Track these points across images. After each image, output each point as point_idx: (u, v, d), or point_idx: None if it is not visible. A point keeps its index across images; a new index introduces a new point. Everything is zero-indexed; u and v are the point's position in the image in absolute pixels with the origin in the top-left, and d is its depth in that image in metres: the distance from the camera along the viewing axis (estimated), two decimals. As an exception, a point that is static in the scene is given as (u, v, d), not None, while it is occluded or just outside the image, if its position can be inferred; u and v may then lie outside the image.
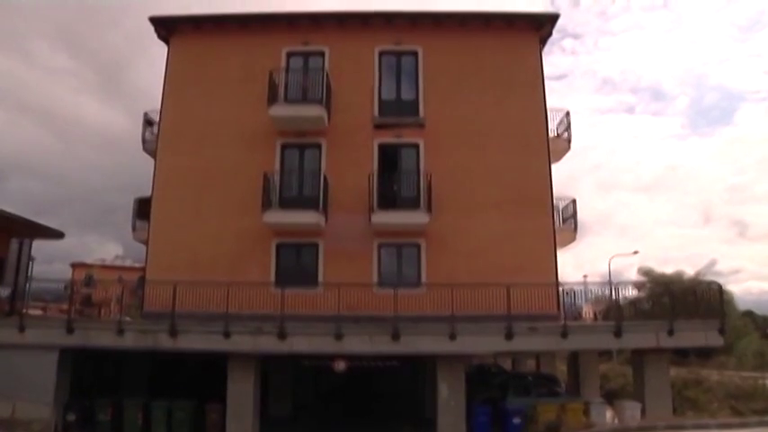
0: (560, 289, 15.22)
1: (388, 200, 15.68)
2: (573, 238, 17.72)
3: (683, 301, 15.60)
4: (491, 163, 16.30)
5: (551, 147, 16.67)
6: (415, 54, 17.27)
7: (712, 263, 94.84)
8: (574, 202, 17.83)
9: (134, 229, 17.97)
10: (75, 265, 54.14)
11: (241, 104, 16.67)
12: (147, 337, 13.53)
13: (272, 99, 15.64)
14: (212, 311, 13.53)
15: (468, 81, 16.95)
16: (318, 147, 16.48)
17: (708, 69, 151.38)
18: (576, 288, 16.33)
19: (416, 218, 15.38)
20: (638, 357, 14.72)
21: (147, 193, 16.85)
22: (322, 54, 17.15)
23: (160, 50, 17.66)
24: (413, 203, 15.66)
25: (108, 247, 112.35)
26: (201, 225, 15.90)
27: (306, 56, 17.20)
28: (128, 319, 16.03)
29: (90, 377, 15.01)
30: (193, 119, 16.79)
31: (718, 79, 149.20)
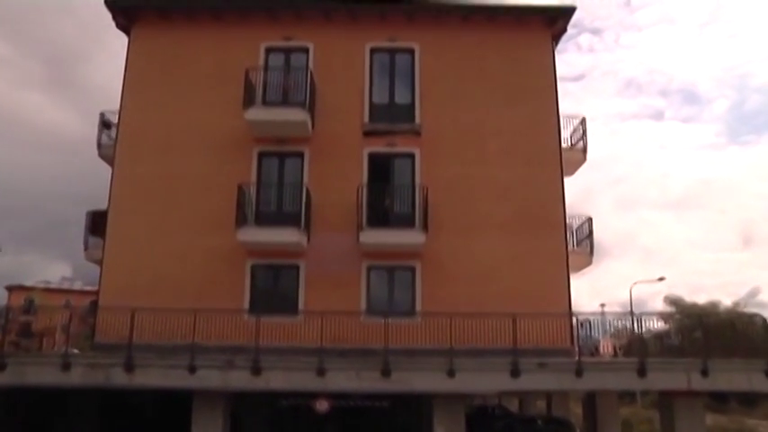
0: (574, 320, 15.42)
1: (379, 217, 15.94)
2: (589, 262, 18.03)
3: (720, 337, 15.64)
4: (496, 176, 16.66)
5: (564, 158, 16.98)
6: (411, 52, 17.65)
7: (754, 292, 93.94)
8: (590, 220, 18.17)
9: (86, 246, 18.08)
10: (11, 288, 53.81)
11: (213, 106, 16.95)
12: (98, 373, 13.49)
13: (249, 101, 15.93)
14: (176, 342, 13.69)
15: (471, 83, 17.37)
16: (300, 156, 16.79)
17: (751, 68, 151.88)
18: (592, 319, 16.51)
19: (411, 237, 15.63)
20: (666, 401, 14.72)
21: (102, 205, 16.95)
22: (306, 51, 17.50)
23: (120, 42, 17.98)
24: (407, 221, 15.89)
25: (54, 267, 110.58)
26: (165, 243, 16.08)
27: (287, 52, 17.52)
28: (75, 351, 15.99)
29: (23, 424, 14.81)
30: (157, 121, 17.04)
31: (763, 79, 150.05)
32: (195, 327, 13.62)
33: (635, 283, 38.44)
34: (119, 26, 17.84)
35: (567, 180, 17.02)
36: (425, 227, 15.55)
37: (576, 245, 17.72)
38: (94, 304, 16.41)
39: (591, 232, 17.93)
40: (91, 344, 15.45)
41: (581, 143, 17.95)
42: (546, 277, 15.80)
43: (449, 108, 17.15)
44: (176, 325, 13.76)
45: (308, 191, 15.99)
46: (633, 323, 15.01)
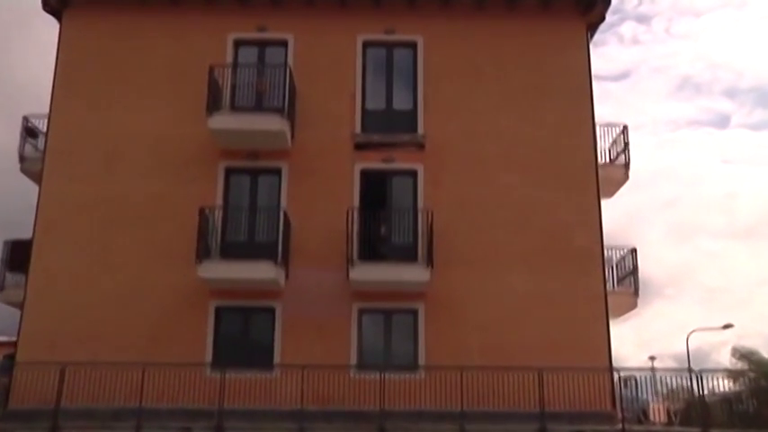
0: (616, 376, 15.28)
1: (374, 248, 15.86)
2: (633, 305, 17.93)
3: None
4: (518, 198, 16.59)
5: (602, 176, 16.95)
6: (412, 46, 17.68)
7: None
8: (634, 252, 18.06)
9: (1, 286, 17.79)
10: None
11: (168, 111, 16.91)
12: (10, 451, 13.24)
13: (213, 105, 15.86)
14: (119, 406, 13.54)
15: (487, 85, 17.39)
16: (277, 173, 16.76)
17: None
18: (639, 375, 16.37)
19: (413, 273, 15.55)
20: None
21: (25, 233, 16.77)
22: (284, 44, 17.51)
23: (49, 29, 18.30)
24: (408, 253, 15.84)
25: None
26: (107, 281, 15.89)
27: (261, 46, 17.55)
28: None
29: None
30: (97, 129, 16.96)
31: None
32: (143, 385, 13.48)
33: (693, 331, 37.89)
34: (47, 8, 17.73)
35: (605, 203, 17.03)
36: (430, 260, 15.43)
37: (616, 283, 17.61)
38: (11, 359, 16.10)
39: (636, 267, 17.76)
40: (3, 410, 14.96)
41: (623, 157, 17.89)
42: (580, 323, 15.66)
43: (459, 115, 17.12)
44: (119, 384, 13.70)
45: (286, 216, 15.83)
46: (692, 382, 14.77)
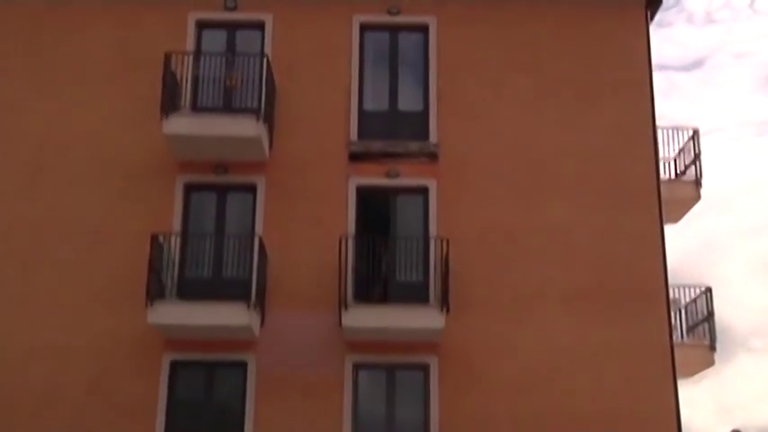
0: (687, 455, 15.08)
1: (374, 287, 15.68)
2: (709, 361, 17.66)
3: None
4: (557, 224, 16.28)
5: (666, 195, 16.66)
6: (423, 30, 17.49)
7: None
8: (709, 293, 17.83)
9: None
10: None
11: (111, 112, 16.62)
12: None
13: (170, 105, 15.54)
14: None
15: (517, 79, 17.13)
16: (251, 190, 16.50)
17: None
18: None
19: (423, 319, 15.16)
20: None
21: None
22: (260, 26, 17.36)
23: None
24: (417, 294, 15.69)
25: None
26: (26, 328, 15.48)
27: (231, 29, 17.41)
28: None
29: None
30: (19, 135, 16.67)
31: None
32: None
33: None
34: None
35: (670, 229, 16.95)
36: (445, 303, 14.99)
37: (686, 332, 17.45)
38: None
39: (711, 312, 17.50)
40: None
41: (693, 170, 17.69)
42: (639, 384, 15.26)
43: (482, 117, 16.86)
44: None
45: (262, 246, 15.44)
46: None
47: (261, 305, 15.26)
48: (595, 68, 17.19)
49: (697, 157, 17.62)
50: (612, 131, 16.76)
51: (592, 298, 15.80)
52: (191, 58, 16.33)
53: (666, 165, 17.42)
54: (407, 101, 17.23)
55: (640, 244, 16.12)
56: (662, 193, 16.45)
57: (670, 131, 17.81)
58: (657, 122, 17.09)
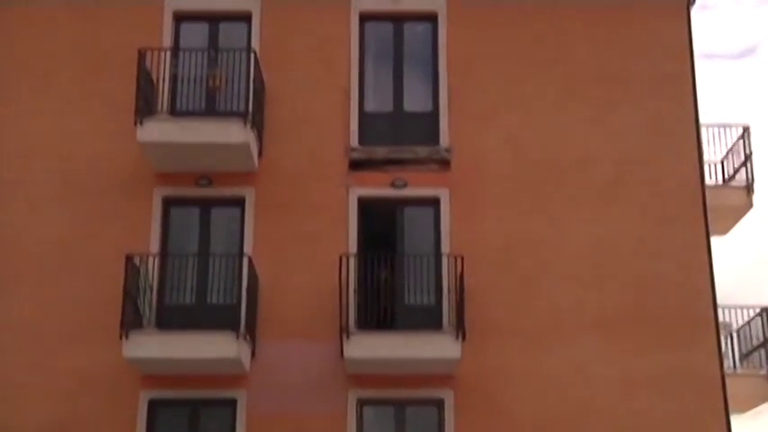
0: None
1: (379, 312, 15.51)
2: (767, 393, 17.46)
3: None
4: (585, 238, 16.16)
5: (712, 202, 16.52)
6: (431, 19, 17.42)
7: None
8: (764, 315, 17.67)
9: None
10: None
11: (79, 119, 16.57)
12: None
13: (145, 109, 15.46)
14: None
15: (541, 74, 17.06)
16: (239, 205, 16.43)
17: None
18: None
19: (436, 348, 14.98)
20: None
21: None
22: (246, 18, 17.32)
23: None
24: (429, 319, 15.59)
25: None
26: None
27: (213, 21, 17.39)
28: None
29: None
30: None
31: None
32: None
33: None
34: None
35: (718, 242, 16.88)
36: (461, 329, 14.79)
37: (739, 360, 17.30)
38: None
39: None
40: None
41: (743, 173, 17.53)
42: (685, 420, 15.06)
43: (501, 118, 16.75)
44: None
45: (252, 267, 15.31)
46: None
47: (251, 335, 15.13)
48: (629, 60, 17.10)
49: (748, 158, 17.49)
50: (650, 132, 16.66)
51: (629, 323, 15.63)
52: (168, 54, 16.31)
53: (713, 168, 17.40)
54: (414, 101, 17.14)
55: (684, 260, 15.97)
56: (708, 201, 16.36)
57: (717, 130, 17.73)
58: (702, 120, 16.97)
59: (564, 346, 15.51)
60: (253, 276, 15.23)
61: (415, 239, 16.34)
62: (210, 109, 16.08)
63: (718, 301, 16.02)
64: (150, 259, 15.36)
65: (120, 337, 14.33)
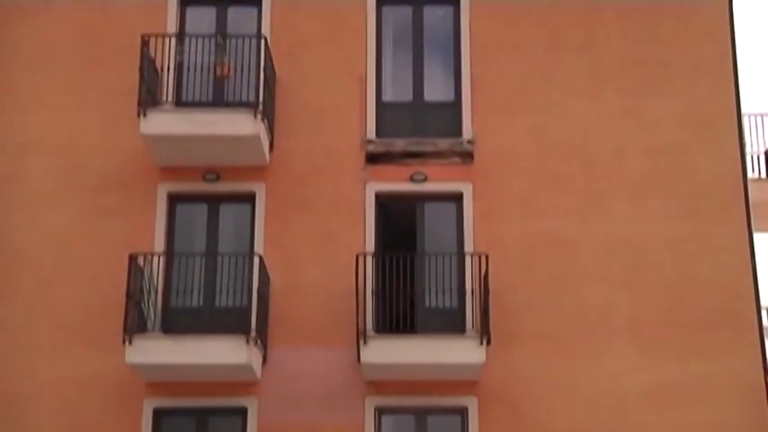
0: None
1: (398, 315, 15.28)
2: None
3: None
4: (618, 236, 15.90)
5: (755, 197, 16.27)
6: (453, 4, 17.26)
7: None
8: None
9: None
10: None
11: (79, 110, 16.43)
12: None
13: (149, 100, 15.30)
14: None
15: (570, 62, 16.82)
16: (249, 201, 16.21)
17: None
18: None
19: (459, 353, 14.67)
20: None
21: None
22: (256, 3, 17.23)
23: None
24: (451, 322, 15.35)
25: None
26: None
27: (221, 6, 17.29)
28: None
29: None
30: None
31: None
32: None
33: None
34: None
35: (761, 239, 16.67)
36: (486, 333, 14.49)
37: None
38: None
39: None
40: None
41: None
42: (726, 430, 14.75)
43: (528, 108, 16.50)
44: None
45: (263, 267, 15.06)
46: None
47: (262, 339, 14.95)
48: (664, 46, 16.90)
49: (794, 149, 17.48)
50: (687, 122, 16.47)
51: (664, 327, 15.38)
52: (173, 41, 16.07)
53: (755, 160, 17.30)
54: (435, 90, 16.98)
55: (724, 258, 15.69)
56: (750, 196, 16.13)
57: (759, 119, 17.58)
58: (743, 109, 16.74)
59: (594, 352, 15.30)
60: (264, 277, 15.06)
61: (437, 237, 16.12)
62: (218, 99, 16.04)
63: (762, 302, 15.80)
64: (155, 259, 15.14)
65: (123, 342, 14.16)
